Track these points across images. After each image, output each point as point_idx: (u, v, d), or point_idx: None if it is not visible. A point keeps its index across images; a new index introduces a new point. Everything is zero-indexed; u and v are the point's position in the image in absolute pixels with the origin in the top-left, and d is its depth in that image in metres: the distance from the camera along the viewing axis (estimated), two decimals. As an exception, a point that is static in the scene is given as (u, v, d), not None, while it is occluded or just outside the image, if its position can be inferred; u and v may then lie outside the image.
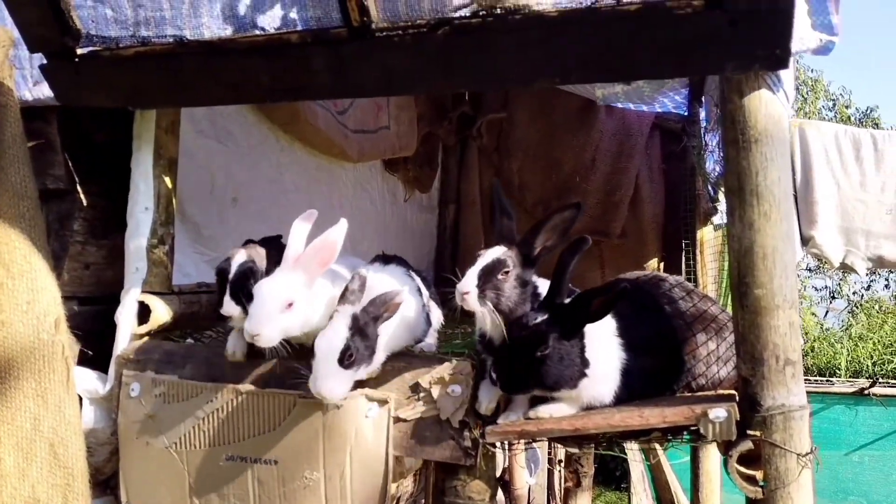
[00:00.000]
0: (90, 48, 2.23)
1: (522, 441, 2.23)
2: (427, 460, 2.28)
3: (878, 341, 14.65)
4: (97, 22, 2.22)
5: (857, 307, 18.07)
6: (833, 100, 18.50)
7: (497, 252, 2.15)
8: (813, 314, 17.39)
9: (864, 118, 18.63)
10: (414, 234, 4.98)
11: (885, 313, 16.33)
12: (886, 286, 19.08)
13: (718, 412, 1.94)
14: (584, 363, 2.07)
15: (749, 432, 1.95)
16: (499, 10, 1.84)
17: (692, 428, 2.05)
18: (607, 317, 2.06)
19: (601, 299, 2.00)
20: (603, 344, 2.10)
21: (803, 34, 1.83)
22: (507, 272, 2.13)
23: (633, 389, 2.14)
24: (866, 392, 9.80)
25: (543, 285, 2.21)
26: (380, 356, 2.21)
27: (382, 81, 2.02)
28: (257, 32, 2.12)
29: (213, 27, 2.18)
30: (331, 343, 2.08)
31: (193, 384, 2.34)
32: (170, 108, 2.54)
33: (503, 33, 1.85)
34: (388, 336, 2.23)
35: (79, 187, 2.61)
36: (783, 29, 1.66)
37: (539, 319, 2.03)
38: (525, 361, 2.03)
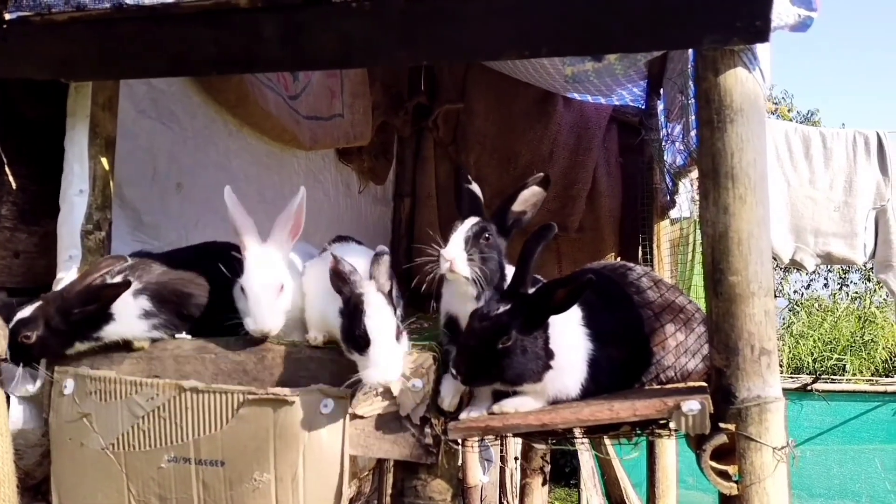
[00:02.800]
0: (19, 13, 2.04)
1: (487, 437, 2.11)
2: (382, 459, 2.15)
3: (818, 338, 15.05)
4: (27, -15, 2.04)
5: (798, 305, 18.53)
6: (776, 103, 18.94)
7: (476, 219, 2.08)
8: (756, 312, 17.70)
9: (806, 121, 19.13)
10: (368, 227, 4.83)
11: (824, 311, 16.77)
12: (825, 285, 19.61)
13: (692, 405, 1.86)
14: (549, 355, 1.97)
15: (723, 426, 1.87)
16: (466, -24, 1.72)
17: (662, 421, 1.97)
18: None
19: (566, 290, 1.90)
20: (568, 334, 2.01)
21: (781, 9, 1.75)
22: (488, 238, 2.05)
23: (600, 381, 2.05)
24: (809, 388, 10.01)
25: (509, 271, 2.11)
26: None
27: (340, 52, 1.88)
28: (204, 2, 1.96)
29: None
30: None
31: (132, 380, 2.16)
32: (107, 81, 2.35)
33: (470, 1, 1.74)
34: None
35: (6, 168, 2.40)
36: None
37: (501, 310, 1.92)
38: (486, 353, 1.92)
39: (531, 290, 1.99)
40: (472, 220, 2.07)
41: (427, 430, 2.04)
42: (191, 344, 2.22)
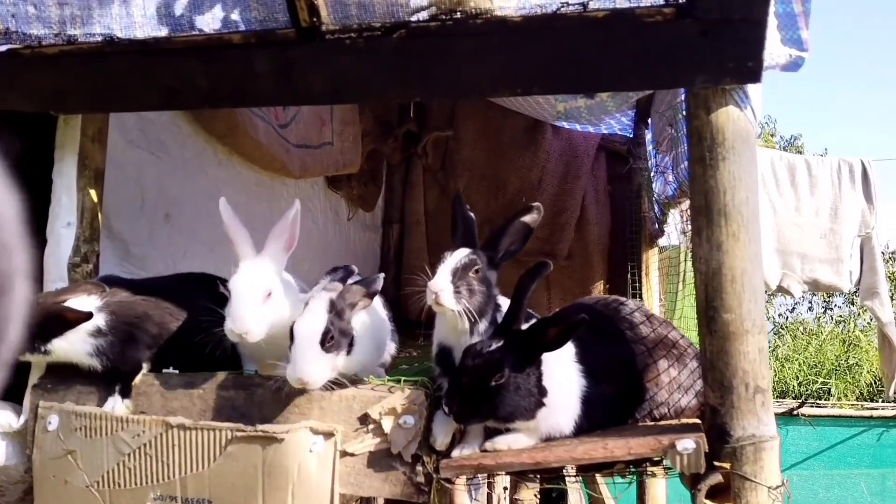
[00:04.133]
0: (8, 46, 2.03)
1: (479, 475, 2.09)
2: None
3: (804, 362, 15.12)
4: (17, 18, 2.02)
5: (783, 329, 18.63)
6: (759, 127, 19.16)
7: (466, 251, 2.06)
8: (742, 336, 17.75)
9: (789, 146, 19.36)
10: (357, 254, 4.81)
11: (808, 335, 16.87)
12: (810, 308, 19.74)
13: (687, 443, 1.84)
14: (542, 392, 1.95)
15: (717, 464, 1.86)
16: (459, 14, 1.73)
17: (657, 459, 1.96)
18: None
19: (558, 329, 1.89)
20: (561, 371, 1.99)
21: (773, 49, 1.77)
22: (478, 271, 2.03)
23: (593, 418, 2.03)
24: (795, 412, 10.04)
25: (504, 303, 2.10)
26: (357, 356, 2.10)
27: (332, 88, 1.88)
28: (195, 33, 1.96)
29: (146, 27, 2.01)
30: (312, 325, 1.96)
31: (118, 416, 2.12)
32: (97, 114, 2.33)
33: (463, 39, 1.74)
34: (361, 339, 2.13)
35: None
36: (756, 40, 1.59)
37: (494, 346, 1.90)
38: (479, 391, 1.89)
39: (525, 326, 1.98)
40: (463, 251, 2.06)
41: (419, 467, 2.01)
42: (178, 379, 2.18)
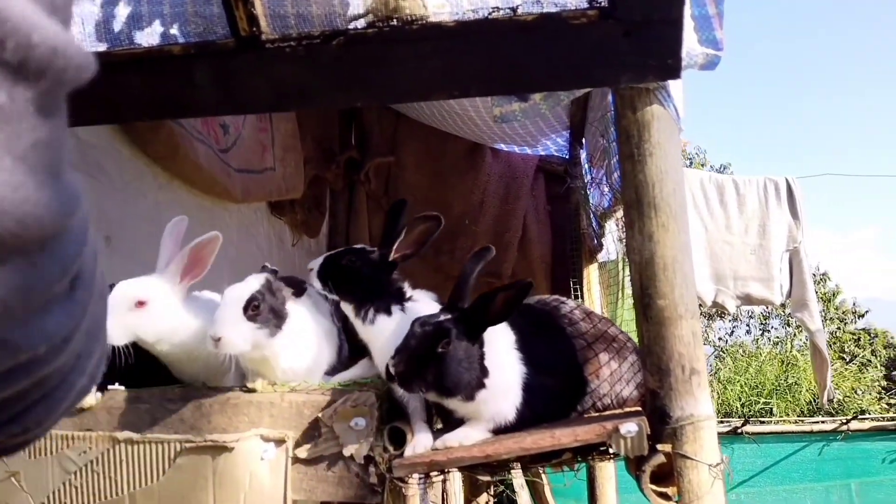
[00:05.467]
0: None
1: (432, 472, 2.11)
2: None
3: (745, 383, 15.49)
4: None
5: (724, 352, 19.09)
6: (689, 159, 19.82)
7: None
8: (684, 360, 18.07)
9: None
10: (302, 282, 4.80)
11: (748, 357, 17.31)
12: (748, 331, 20.31)
13: (630, 427, 1.91)
14: (484, 371, 1.99)
15: (659, 446, 1.93)
16: (395, 21, 1.80)
17: (603, 448, 2.02)
18: (506, 329, 2.03)
19: (504, 296, 1.94)
20: (502, 356, 2.04)
21: (691, 49, 1.89)
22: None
23: (535, 408, 2.08)
24: (739, 431, 10.26)
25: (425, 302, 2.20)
26: (302, 360, 2.15)
27: (273, 96, 1.93)
28: (134, 47, 1.99)
29: (84, 43, 2.02)
30: (240, 290, 2.00)
31: (63, 434, 2.08)
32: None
33: (400, 44, 1.81)
34: (307, 342, 2.18)
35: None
36: (674, 39, 1.71)
37: (443, 317, 1.96)
38: (425, 356, 1.93)
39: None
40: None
41: (371, 469, 2.03)
42: (124, 395, 2.16)
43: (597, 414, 2.21)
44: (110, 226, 2.97)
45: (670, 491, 1.93)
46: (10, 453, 0.62)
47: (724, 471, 1.91)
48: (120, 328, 2.00)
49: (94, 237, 0.61)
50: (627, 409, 2.20)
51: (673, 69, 1.76)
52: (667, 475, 1.94)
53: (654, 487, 1.93)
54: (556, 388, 2.15)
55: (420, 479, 2.18)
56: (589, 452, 2.05)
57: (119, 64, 1.96)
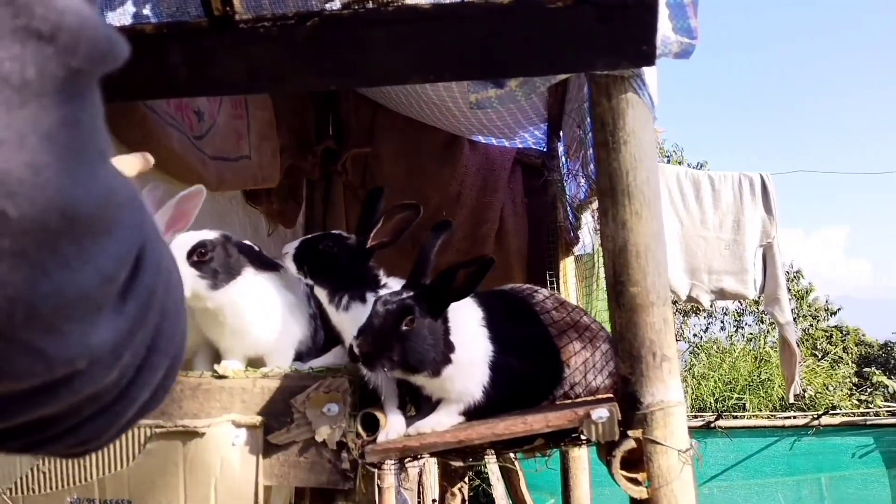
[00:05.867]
0: None
1: (405, 459, 2.11)
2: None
3: (719, 379, 15.69)
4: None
5: (698, 348, 19.29)
6: (667, 156, 19.96)
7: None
8: (660, 356, 18.26)
9: (696, 172, 20.13)
10: (277, 272, 4.77)
11: (722, 353, 17.51)
12: (722, 328, 20.56)
13: (601, 412, 1.93)
14: (449, 346, 2.00)
15: (630, 432, 1.94)
16: (371, 3, 1.79)
17: (574, 435, 2.03)
18: (473, 306, 2.04)
19: (466, 271, 1.95)
20: (468, 331, 2.05)
21: (665, 37, 1.90)
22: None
23: (502, 390, 2.09)
24: (713, 425, 10.38)
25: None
26: (265, 332, 2.15)
27: (247, 77, 1.91)
28: (107, 28, 1.96)
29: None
30: (187, 238, 2.02)
31: (28, 419, 2.05)
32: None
33: (375, 26, 1.80)
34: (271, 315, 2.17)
35: None
36: (649, 25, 1.72)
37: (405, 295, 1.96)
38: (389, 334, 1.93)
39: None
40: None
41: (344, 455, 2.02)
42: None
43: (569, 401, 2.22)
44: (81, 211, 2.93)
45: (640, 477, 1.95)
46: (69, 457, 0.63)
47: (693, 456, 1.93)
48: None
49: (163, 251, 0.58)
50: (599, 397, 2.21)
51: (647, 56, 1.77)
52: (637, 461, 1.96)
53: (624, 473, 1.94)
54: (524, 372, 2.15)
55: (394, 464, 2.18)
56: (561, 439, 2.06)
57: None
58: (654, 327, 1.94)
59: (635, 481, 1.94)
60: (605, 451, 1.99)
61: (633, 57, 1.77)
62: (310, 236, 2.26)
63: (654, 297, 1.95)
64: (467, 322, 2.06)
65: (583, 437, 1.97)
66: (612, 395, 2.13)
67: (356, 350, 1.92)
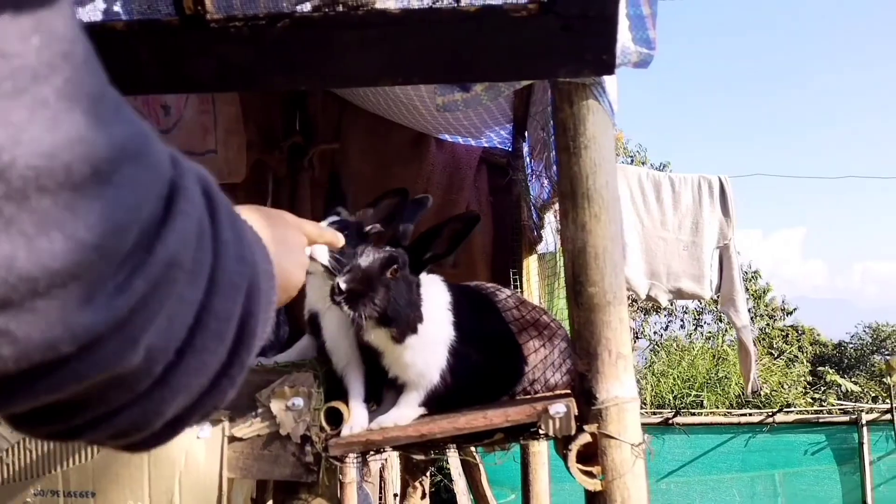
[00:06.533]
0: None
1: (367, 453, 2.16)
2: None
3: (678, 376, 15.97)
4: None
5: (658, 346, 19.60)
6: (631, 156, 20.24)
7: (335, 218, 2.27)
8: (621, 353, 18.52)
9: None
10: (241, 267, 4.75)
11: (681, 351, 17.82)
12: (682, 326, 20.93)
13: (558, 408, 2.00)
14: (419, 315, 2.07)
15: (586, 427, 2.02)
16: (341, 7, 1.83)
17: (533, 430, 2.10)
18: (443, 289, 2.10)
19: (452, 227, 2.04)
20: (436, 310, 2.12)
21: (626, 47, 1.98)
22: (347, 234, 2.15)
23: (459, 379, 2.14)
24: (670, 422, 10.59)
25: None
26: None
27: (217, 76, 1.93)
28: (76, 23, 1.96)
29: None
30: None
31: (-9, 411, 2.06)
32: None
33: (345, 30, 1.84)
34: None
35: None
36: (609, 35, 1.78)
37: (391, 249, 2.03)
38: (373, 279, 1.98)
39: None
40: (331, 218, 2.22)
41: (307, 448, 2.06)
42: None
43: (528, 397, 2.29)
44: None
45: (595, 470, 2.02)
46: (120, 450, 0.56)
47: (645, 450, 2.01)
48: None
49: (222, 216, 0.52)
50: (558, 392, 2.29)
51: (608, 65, 1.83)
52: (592, 455, 2.03)
53: (579, 466, 2.01)
54: (482, 365, 2.21)
55: (356, 458, 2.22)
56: (520, 433, 2.12)
57: (59, 38, 1.94)
58: (610, 326, 2.02)
59: (590, 474, 2.01)
60: (561, 445, 2.06)
61: (593, 65, 1.83)
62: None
63: (610, 296, 2.02)
64: (436, 301, 2.13)
65: (541, 431, 2.03)
66: (569, 392, 2.20)
67: (341, 286, 1.93)
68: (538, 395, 2.27)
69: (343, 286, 1.94)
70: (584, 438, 1.99)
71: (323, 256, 2.06)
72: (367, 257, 1.99)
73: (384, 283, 1.98)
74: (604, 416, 1.99)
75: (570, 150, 2.05)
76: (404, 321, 2.02)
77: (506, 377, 2.31)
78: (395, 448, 2.16)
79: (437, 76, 1.93)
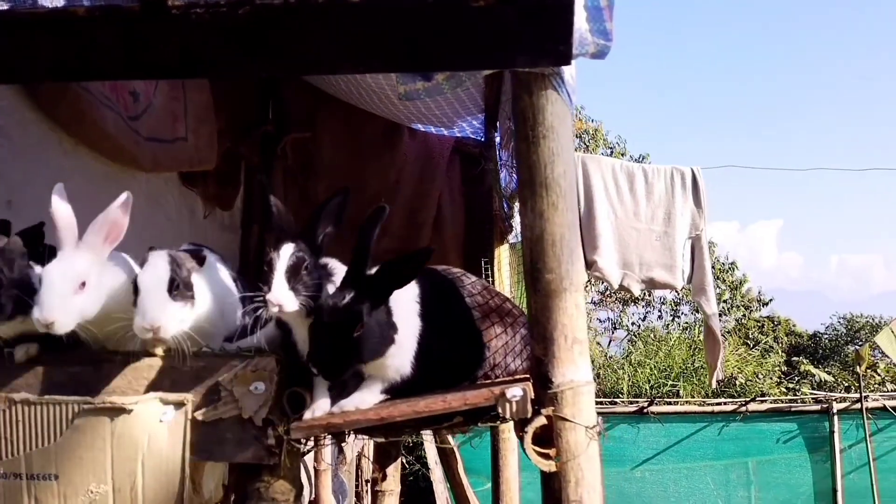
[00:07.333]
0: None
1: (329, 435, 2.19)
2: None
3: (655, 366, 16.12)
4: None
5: (636, 336, 19.77)
6: (611, 147, 20.34)
7: (291, 249, 2.11)
8: (598, 344, 18.75)
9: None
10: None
11: (658, 341, 17.98)
12: (660, 317, 21.11)
13: (515, 391, 2.04)
14: (393, 328, 2.11)
15: (543, 411, 2.06)
16: (303, -5, 1.85)
17: (493, 414, 2.14)
18: (413, 283, 2.12)
19: (409, 264, 2.06)
20: (405, 308, 2.15)
21: (583, 38, 2.01)
22: (307, 267, 2.11)
23: (429, 365, 2.19)
24: (646, 411, 10.72)
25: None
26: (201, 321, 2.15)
27: (179, 62, 1.95)
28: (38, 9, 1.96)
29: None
30: (157, 273, 2.02)
31: (-46, 395, 2.07)
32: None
33: (306, 16, 1.86)
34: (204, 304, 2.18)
35: None
36: (566, 26, 1.82)
37: (348, 299, 2.01)
38: (343, 345, 2.00)
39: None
40: (288, 250, 2.10)
41: (269, 431, 2.09)
42: (22, 356, 2.15)
43: (488, 381, 2.34)
44: (12, 190, 2.92)
45: (551, 453, 2.07)
46: None
47: (599, 433, 2.06)
48: (72, 315, 1.97)
49: None
50: (517, 377, 2.33)
51: (564, 55, 1.87)
52: (548, 438, 2.08)
53: (535, 448, 2.06)
54: (450, 352, 2.26)
55: (332, 443, 2.25)
56: (479, 417, 2.16)
57: (22, 23, 1.94)
58: (566, 311, 2.06)
59: (546, 456, 2.06)
60: (518, 427, 2.11)
61: (551, 56, 1.87)
62: (282, 272, 2.07)
63: (567, 283, 2.07)
64: (405, 298, 2.16)
65: (500, 414, 2.08)
66: (528, 377, 2.25)
67: (315, 371, 2.02)
68: (498, 381, 2.31)
69: (317, 370, 2.02)
70: (540, 421, 2.03)
71: (292, 306, 2.05)
72: (329, 326, 1.99)
73: (354, 342, 2.00)
74: (559, 400, 2.03)
75: (528, 140, 2.09)
76: (382, 351, 2.08)
77: (467, 363, 2.35)
78: (356, 431, 2.19)
79: (398, 64, 1.97)
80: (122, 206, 2.09)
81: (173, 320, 2.02)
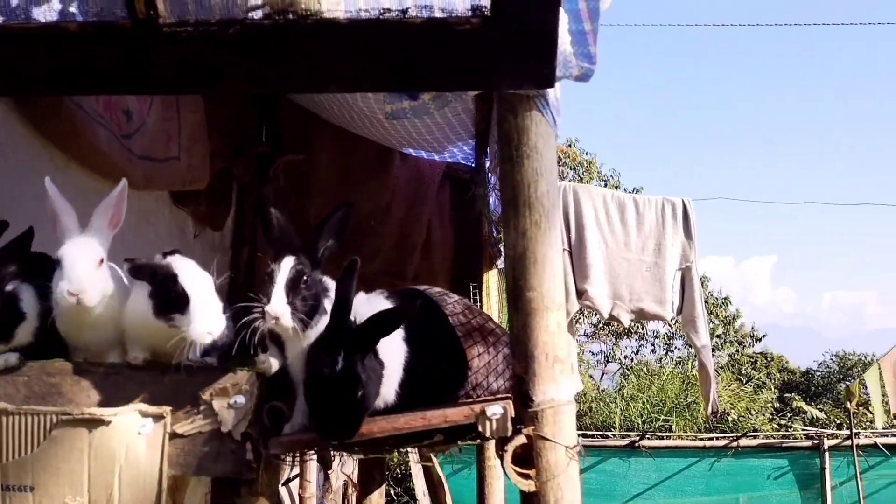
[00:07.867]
0: None
1: (308, 452, 2.19)
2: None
3: (647, 400, 16.04)
4: None
5: (629, 370, 19.71)
6: (605, 180, 20.46)
7: (291, 262, 2.11)
8: (590, 377, 18.68)
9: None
10: (204, 275, 4.76)
11: (651, 375, 17.92)
12: (653, 351, 21.08)
13: (495, 409, 2.05)
14: (382, 365, 2.10)
15: (523, 430, 2.06)
16: (291, 15, 1.89)
17: (473, 433, 2.14)
18: (388, 305, 2.12)
19: (395, 319, 2.07)
20: (391, 339, 2.14)
21: (567, 62, 2.06)
22: (307, 280, 2.12)
23: (414, 388, 2.19)
24: (637, 445, 10.66)
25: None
26: None
27: (168, 79, 1.99)
28: (32, 23, 2.00)
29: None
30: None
31: (-68, 404, 2.06)
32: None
33: (296, 37, 1.90)
34: None
35: None
36: (549, 49, 1.86)
37: (341, 363, 1.96)
38: (348, 409, 1.99)
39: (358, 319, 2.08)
40: (288, 263, 2.10)
41: (248, 445, 2.09)
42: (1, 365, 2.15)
43: (469, 400, 2.34)
44: (2, 206, 2.92)
45: (531, 473, 2.07)
46: None
47: (579, 453, 2.06)
48: (95, 284, 2.04)
49: None
50: (498, 396, 2.33)
51: (547, 78, 1.91)
52: (528, 457, 2.08)
53: (515, 468, 2.06)
54: (433, 373, 2.26)
55: (319, 470, 2.24)
56: (460, 435, 2.17)
57: (15, 37, 1.97)
58: (548, 330, 2.08)
59: (526, 476, 2.06)
60: (498, 446, 2.10)
61: (534, 79, 1.91)
62: (282, 285, 2.07)
63: (549, 301, 2.08)
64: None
65: (480, 431, 2.08)
66: (509, 395, 2.25)
67: (332, 440, 2.05)
68: (479, 399, 2.31)
69: (326, 434, 2.03)
70: (520, 440, 2.04)
71: (289, 321, 2.05)
72: (331, 395, 1.98)
73: (359, 401, 1.99)
74: (539, 419, 2.04)
75: (512, 160, 2.12)
76: (378, 394, 2.10)
77: (449, 383, 2.35)
78: (336, 448, 2.19)
79: (384, 84, 2.00)
80: (119, 193, 2.20)
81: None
